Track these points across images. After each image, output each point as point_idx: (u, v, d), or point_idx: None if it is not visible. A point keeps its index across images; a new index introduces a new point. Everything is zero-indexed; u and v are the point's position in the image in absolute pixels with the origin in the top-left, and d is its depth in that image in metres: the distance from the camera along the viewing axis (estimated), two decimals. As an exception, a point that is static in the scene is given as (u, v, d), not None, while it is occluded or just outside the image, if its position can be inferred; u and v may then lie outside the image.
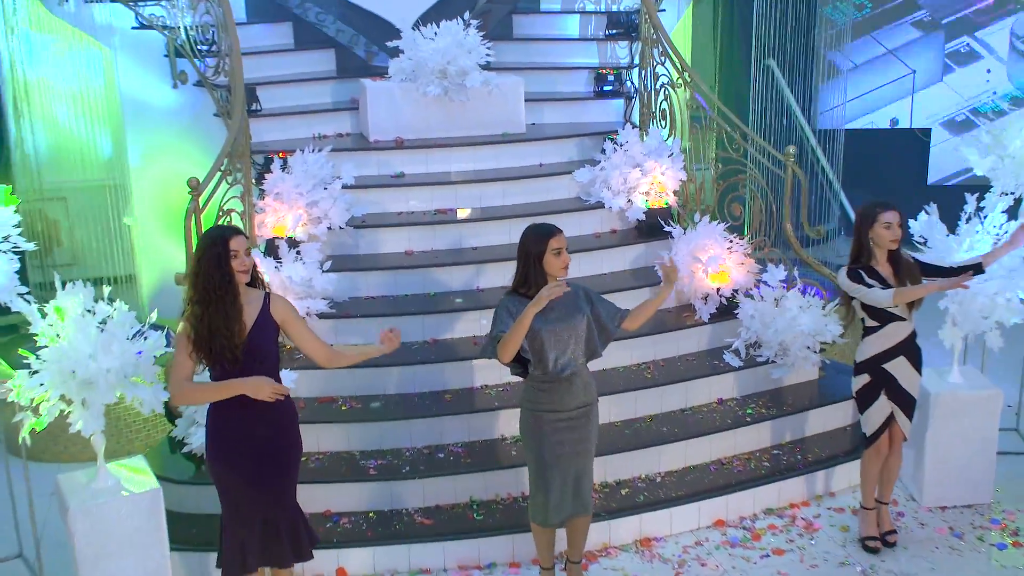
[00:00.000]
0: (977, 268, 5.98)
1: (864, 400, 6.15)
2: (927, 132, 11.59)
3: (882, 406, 6.11)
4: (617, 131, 8.57)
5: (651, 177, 8.04)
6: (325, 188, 7.65)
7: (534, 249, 5.18)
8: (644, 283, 7.73)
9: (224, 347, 4.87)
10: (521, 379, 5.52)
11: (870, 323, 6.05)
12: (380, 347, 5.07)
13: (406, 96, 8.45)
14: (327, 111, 8.80)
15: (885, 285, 5.91)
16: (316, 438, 6.69)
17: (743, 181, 7.76)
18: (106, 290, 5.36)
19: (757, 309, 7.34)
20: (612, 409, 7.00)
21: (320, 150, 7.75)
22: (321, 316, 7.09)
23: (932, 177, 11.73)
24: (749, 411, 7.15)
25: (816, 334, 7.22)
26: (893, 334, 6.02)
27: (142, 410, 5.35)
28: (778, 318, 7.24)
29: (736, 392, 7.33)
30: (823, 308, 7.26)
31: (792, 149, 7.48)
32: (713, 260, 7.49)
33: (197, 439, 6.44)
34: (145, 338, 5.32)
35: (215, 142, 8.36)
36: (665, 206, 8.10)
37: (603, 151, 8.26)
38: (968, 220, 6.57)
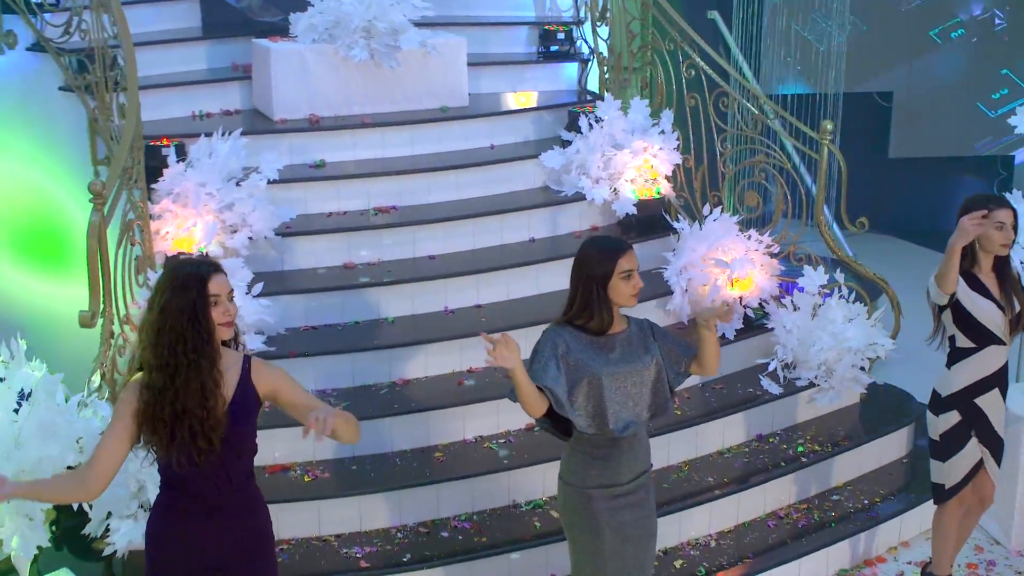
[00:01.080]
0: None
1: (950, 445, 5.54)
2: (888, 96, 11.24)
3: (972, 451, 5.53)
4: (583, 103, 7.80)
5: (641, 160, 7.25)
6: (238, 185, 6.49)
7: (598, 271, 4.43)
8: (647, 295, 6.93)
9: (196, 433, 3.81)
10: (552, 434, 4.69)
11: (963, 343, 5.45)
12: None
13: (321, 62, 7.39)
14: (206, 82, 7.61)
15: (991, 300, 5.34)
16: (276, 523, 5.57)
17: (761, 164, 7.02)
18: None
19: (794, 322, 6.70)
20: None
21: (227, 134, 6.57)
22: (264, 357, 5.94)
23: (896, 149, 11.49)
24: (800, 449, 6.53)
25: (865, 350, 6.68)
26: (990, 360, 5.45)
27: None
28: (820, 332, 6.64)
29: (775, 425, 6.72)
30: (868, 317, 6.69)
31: (829, 125, 6.85)
32: (739, 263, 6.79)
33: (122, 536, 5.19)
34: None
35: (60, 127, 7.07)
36: (657, 196, 7.35)
37: (577, 128, 7.44)
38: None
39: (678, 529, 6.03)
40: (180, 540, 3.97)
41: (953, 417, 5.49)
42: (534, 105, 7.92)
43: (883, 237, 11.14)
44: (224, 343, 3.99)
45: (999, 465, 5.62)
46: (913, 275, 7.22)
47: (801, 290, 6.84)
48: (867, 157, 11.03)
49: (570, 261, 6.71)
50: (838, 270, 6.87)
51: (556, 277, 6.88)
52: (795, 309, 6.82)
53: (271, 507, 5.39)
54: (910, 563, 6.28)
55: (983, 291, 5.36)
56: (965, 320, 5.39)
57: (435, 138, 7.49)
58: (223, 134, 6.54)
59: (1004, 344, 5.41)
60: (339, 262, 6.76)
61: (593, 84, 8.23)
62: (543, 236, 7.22)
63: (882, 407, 7.06)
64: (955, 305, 5.36)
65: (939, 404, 5.53)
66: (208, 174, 6.41)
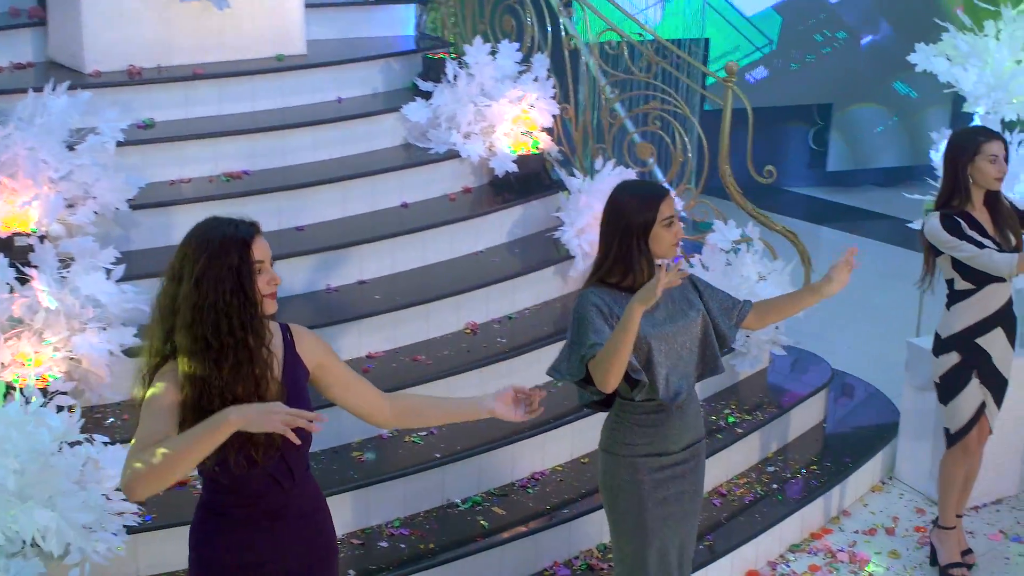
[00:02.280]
0: None
1: (951, 387, 5.87)
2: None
3: (974, 393, 5.87)
4: (436, 49, 7.77)
5: (518, 111, 7.25)
6: (72, 149, 6.05)
7: (637, 219, 4.38)
8: (539, 262, 6.98)
9: None
10: (594, 411, 4.76)
11: (962, 285, 5.77)
12: (504, 408, 3.96)
13: (140, 2, 6.95)
14: (-19, 28, 7.04)
15: (988, 238, 5.66)
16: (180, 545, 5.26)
17: (655, 112, 7.14)
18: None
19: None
20: (556, 444, 6.28)
21: (55, 88, 6.10)
22: (133, 354, 5.56)
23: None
24: (731, 420, 6.70)
25: None
26: (991, 299, 5.78)
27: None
28: (733, 292, 6.80)
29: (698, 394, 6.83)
30: (783, 270, 6.97)
31: (733, 66, 7.04)
32: None
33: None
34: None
35: None
36: (534, 151, 7.35)
37: (437, 77, 7.40)
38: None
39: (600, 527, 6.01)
40: (240, 552, 3.69)
41: (952, 358, 5.81)
42: (379, 52, 7.72)
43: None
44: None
45: (999, 407, 5.95)
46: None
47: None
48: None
49: (453, 227, 6.93)
50: (749, 224, 7.02)
51: (442, 245, 6.90)
52: (704, 269, 6.94)
53: (170, 531, 5.18)
54: (859, 532, 6.56)
55: (980, 230, 5.65)
56: (964, 264, 5.66)
57: (277, 91, 7.22)
58: (53, 88, 6.05)
59: (1004, 281, 5.72)
60: (196, 238, 6.38)
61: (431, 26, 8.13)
62: (416, 200, 7.11)
63: (794, 370, 7.36)
64: None
65: (939, 345, 5.85)
66: (40, 138, 5.92)
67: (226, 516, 3.71)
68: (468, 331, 6.57)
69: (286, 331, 3.80)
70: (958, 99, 13.25)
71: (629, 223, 4.38)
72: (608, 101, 7.35)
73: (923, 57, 7.17)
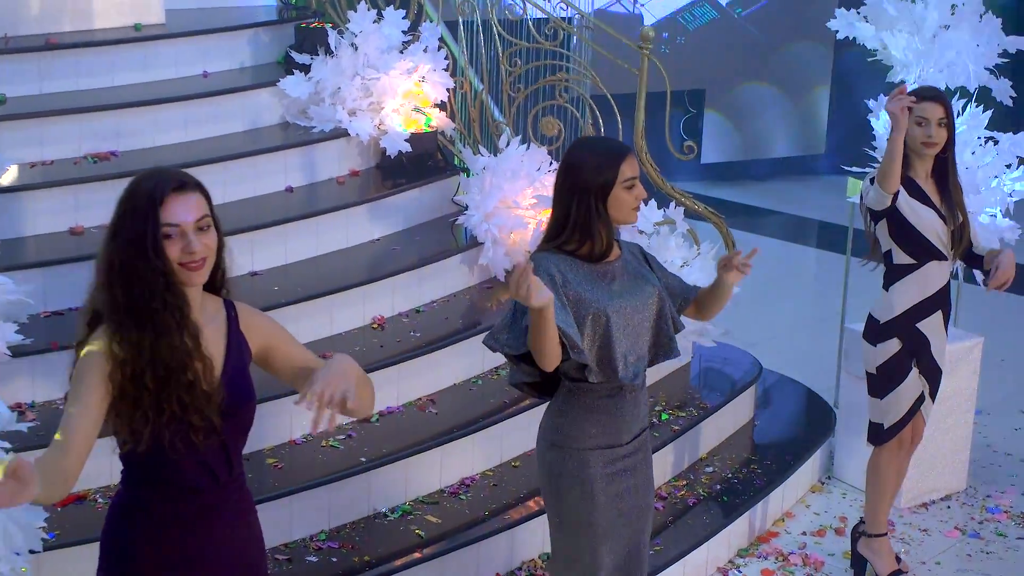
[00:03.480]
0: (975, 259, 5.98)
1: (890, 377, 5.96)
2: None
3: (913, 384, 6.00)
4: (297, 19, 7.88)
5: (411, 85, 7.31)
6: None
7: (596, 180, 4.37)
8: (444, 251, 7.06)
9: (187, 405, 3.55)
10: (526, 393, 4.78)
11: (901, 259, 5.89)
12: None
13: (-21, -39, 6.82)
14: None
15: (932, 208, 5.83)
16: (79, 563, 5.12)
17: (563, 84, 7.30)
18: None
19: None
20: (485, 447, 6.32)
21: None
22: (17, 353, 5.44)
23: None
24: (664, 417, 6.85)
25: None
26: (932, 278, 5.90)
27: None
28: None
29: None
30: (708, 255, 7.13)
31: (650, 32, 7.22)
32: None
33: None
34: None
35: None
36: (427, 129, 7.42)
37: (314, 49, 7.45)
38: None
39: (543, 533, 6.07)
40: (164, 554, 3.63)
41: (893, 346, 5.89)
42: (245, 22, 7.74)
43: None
44: (208, 287, 3.65)
45: (934, 400, 6.09)
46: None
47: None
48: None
49: (346, 213, 6.96)
50: (672, 205, 7.17)
51: (336, 233, 6.93)
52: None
53: (74, 550, 5.09)
54: (807, 534, 6.74)
55: (923, 198, 5.79)
56: (905, 232, 5.78)
57: (137, 64, 7.18)
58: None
59: (946, 259, 5.85)
60: (64, 226, 6.29)
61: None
62: (302, 184, 7.15)
63: (720, 365, 7.58)
64: (892, 215, 5.75)
65: (877, 332, 5.91)
66: None
67: (150, 513, 3.61)
68: (375, 326, 6.59)
69: (231, 308, 3.72)
70: (838, 78, 13.86)
71: (586, 184, 4.36)
72: (509, 73, 7.38)
73: (845, 23, 7.32)
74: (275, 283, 6.46)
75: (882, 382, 5.93)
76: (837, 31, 7.39)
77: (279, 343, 3.79)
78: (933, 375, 6.00)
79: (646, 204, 7.09)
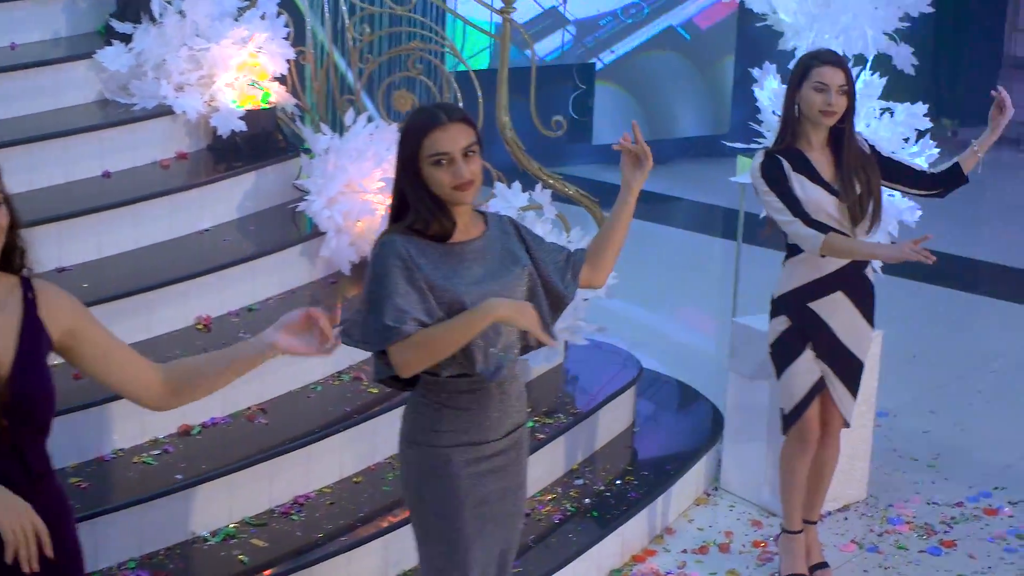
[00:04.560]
0: (959, 177, 6.11)
1: (780, 356, 6.09)
2: None
3: (807, 367, 6.06)
4: None
5: (245, 55, 7.28)
6: None
7: (403, 152, 4.41)
8: (282, 242, 7.01)
9: None
10: (394, 388, 4.77)
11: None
12: (290, 340, 3.84)
13: None
14: None
15: (820, 185, 5.87)
16: None
17: (416, 54, 7.27)
18: None
19: None
20: (322, 461, 6.28)
21: None
22: None
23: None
24: (530, 424, 6.75)
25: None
26: (825, 258, 5.96)
27: None
28: None
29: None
30: (580, 243, 7.06)
31: None
32: None
33: None
34: None
35: None
36: (265, 105, 7.37)
37: (137, 17, 7.37)
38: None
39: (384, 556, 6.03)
40: None
41: (781, 323, 6.03)
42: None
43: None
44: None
45: (855, 395, 6.14)
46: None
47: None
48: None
49: (170, 200, 6.95)
50: (537, 187, 7.13)
51: (158, 223, 6.86)
52: None
53: None
54: (686, 551, 6.75)
55: (812, 174, 5.83)
56: (791, 208, 5.80)
57: (-68, 36, 7.02)
58: None
59: (847, 235, 5.87)
60: None
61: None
62: (121, 168, 7.06)
63: (596, 366, 7.56)
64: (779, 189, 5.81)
65: (772, 308, 6.07)
66: None
67: None
68: (200, 326, 6.50)
69: (28, 288, 3.65)
70: (743, 45, 13.85)
71: (399, 156, 4.41)
72: (357, 42, 7.33)
73: (733, -16, 7.39)
74: (85, 279, 6.34)
75: (776, 360, 6.10)
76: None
77: (84, 328, 3.73)
78: (841, 363, 6.07)
79: (509, 187, 7.05)
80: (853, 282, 6.03)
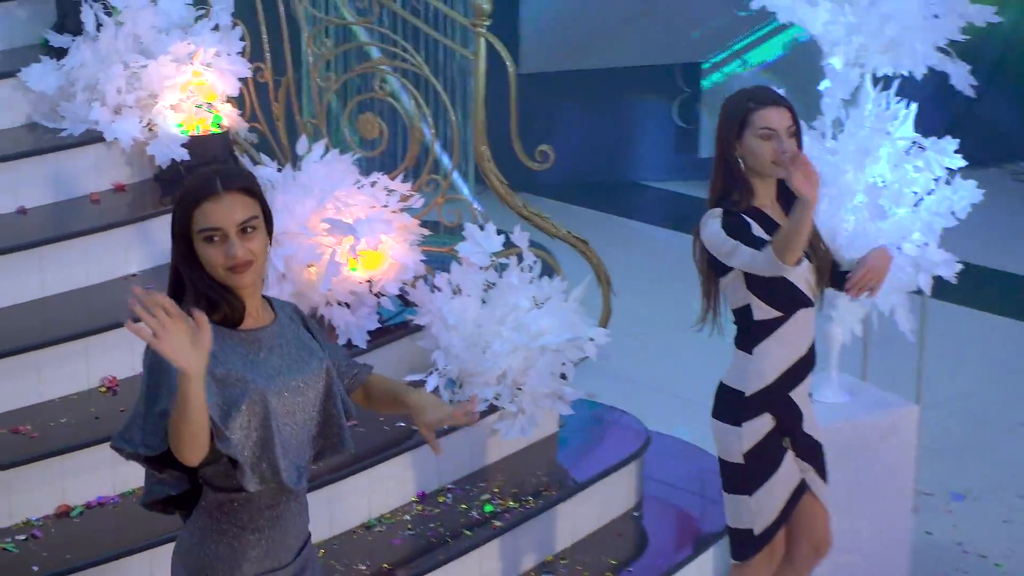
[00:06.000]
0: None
1: (762, 466, 5.54)
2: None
3: (789, 472, 5.56)
4: None
5: (189, 73, 6.99)
6: None
7: (174, 225, 4.08)
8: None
9: None
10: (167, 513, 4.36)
11: (765, 314, 5.45)
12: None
13: None
14: None
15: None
16: None
17: (384, 73, 6.99)
18: None
19: (458, 313, 6.56)
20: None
21: None
22: None
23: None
24: (488, 509, 6.47)
25: (567, 348, 6.58)
26: (802, 331, 5.49)
27: None
28: (497, 326, 6.50)
29: (444, 476, 6.62)
30: (567, 297, 6.66)
31: (483, 5, 6.84)
32: (365, 226, 6.58)
33: None
34: None
35: None
36: (216, 130, 7.12)
37: (78, 28, 7.03)
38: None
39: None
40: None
41: (765, 423, 5.49)
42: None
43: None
44: None
45: (826, 479, 5.69)
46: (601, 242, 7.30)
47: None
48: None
49: (93, 240, 6.58)
50: (517, 228, 6.73)
51: (74, 268, 6.58)
52: (456, 292, 6.65)
53: None
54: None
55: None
56: (768, 280, 5.35)
57: None
58: None
59: (812, 305, 5.53)
60: None
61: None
62: (43, 204, 6.85)
63: (594, 435, 7.20)
64: None
65: (741, 408, 5.51)
66: None
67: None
68: (104, 389, 6.23)
69: None
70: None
71: (171, 229, 4.11)
72: (317, 58, 7.03)
73: (760, -4, 7.13)
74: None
75: (752, 474, 5.54)
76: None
77: None
78: (813, 453, 5.63)
79: (482, 228, 6.65)
80: (813, 355, 5.58)
